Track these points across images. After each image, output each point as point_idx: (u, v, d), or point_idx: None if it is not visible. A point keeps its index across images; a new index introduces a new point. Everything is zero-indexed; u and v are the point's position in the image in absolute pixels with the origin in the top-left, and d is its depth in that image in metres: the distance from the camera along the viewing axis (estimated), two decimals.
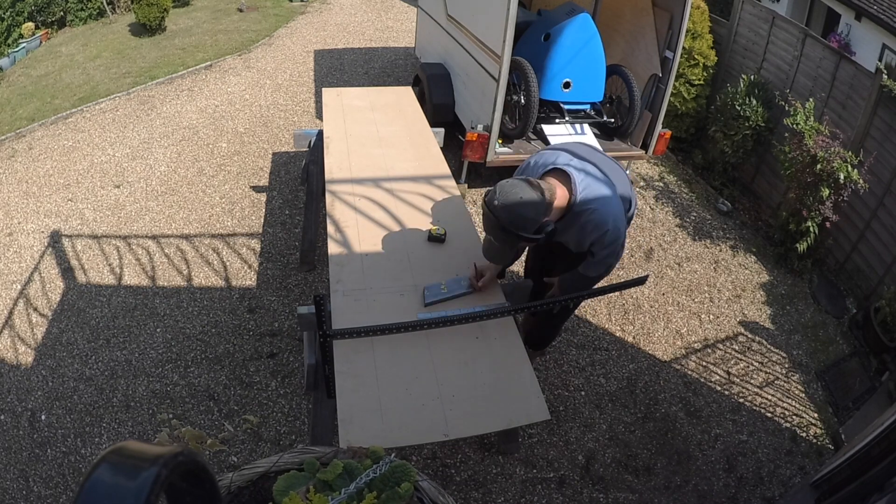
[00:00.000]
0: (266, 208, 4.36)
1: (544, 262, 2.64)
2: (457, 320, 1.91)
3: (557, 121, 4.31)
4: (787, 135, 4.18)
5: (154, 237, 4.02)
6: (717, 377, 3.27)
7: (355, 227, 2.34)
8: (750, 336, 3.60)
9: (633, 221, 2.42)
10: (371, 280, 2.08)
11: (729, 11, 5.61)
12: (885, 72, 3.77)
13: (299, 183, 4.59)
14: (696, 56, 5.18)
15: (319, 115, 5.61)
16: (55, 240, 4.02)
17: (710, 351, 3.45)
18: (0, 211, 4.37)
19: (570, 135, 4.28)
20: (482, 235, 2.34)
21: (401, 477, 1.02)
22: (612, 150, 4.28)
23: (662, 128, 4.28)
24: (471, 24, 4.29)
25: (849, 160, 3.72)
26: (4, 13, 8.03)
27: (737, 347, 3.50)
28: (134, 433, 2.75)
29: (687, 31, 4.62)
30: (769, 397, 3.19)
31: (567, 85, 4.15)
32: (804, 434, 3.01)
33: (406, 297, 2.02)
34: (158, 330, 3.30)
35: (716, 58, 5.28)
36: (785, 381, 3.31)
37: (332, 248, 2.22)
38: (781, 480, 2.76)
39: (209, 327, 3.32)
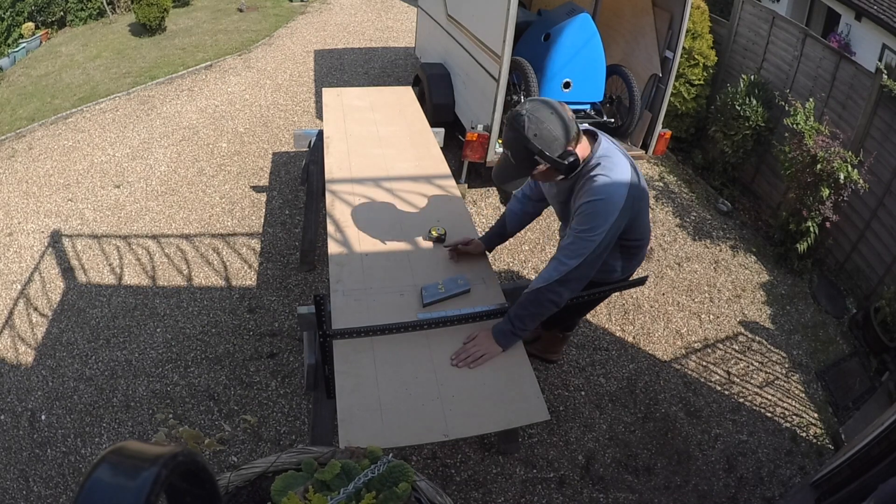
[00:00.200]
0: (266, 208, 4.36)
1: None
2: (457, 320, 1.91)
3: None
4: (787, 135, 4.18)
5: (154, 237, 4.02)
6: (717, 377, 3.27)
7: (355, 227, 2.34)
8: (750, 336, 3.60)
9: None
10: (371, 280, 2.08)
11: (729, 11, 5.61)
12: (885, 72, 3.77)
13: (299, 183, 4.58)
14: (696, 56, 5.18)
15: (319, 115, 5.61)
16: (55, 240, 4.02)
17: (710, 351, 3.45)
18: (0, 211, 4.37)
19: None
20: (483, 232, 2.34)
21: (398, 477, 1.02)
22: None
23: (662, 128, 4.27)
24: (471, 24, 4.29)
25: (849, 160, 3.72)
26: (4, 13, 8.03)
27: (737, 347, 3.50)
28: (134, 433, 2.75)
29: (687, 31, 4.63)
30: (769, 397, 3.19)
31: (567, 85, 4.15)
32: (804, 434, 3.01)
33: (406, 297, 2.01)
34: (158, 330, 3.30)
35: (716, 58, 5.28)
36: (785, 381, 3.31)
37: (332, 248, 2.22)
38: (781, 480, 2.76)
39: (209, 327, 3.32)
